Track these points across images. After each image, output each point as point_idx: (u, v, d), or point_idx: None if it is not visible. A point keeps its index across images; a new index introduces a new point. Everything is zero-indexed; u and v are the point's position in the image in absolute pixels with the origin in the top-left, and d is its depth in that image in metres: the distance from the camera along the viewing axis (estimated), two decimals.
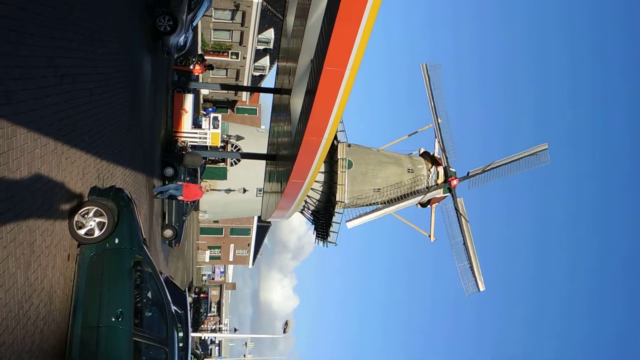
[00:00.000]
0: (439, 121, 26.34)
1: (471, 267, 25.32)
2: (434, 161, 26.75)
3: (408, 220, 26.71)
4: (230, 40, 41.60)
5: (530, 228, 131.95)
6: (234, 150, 32.82)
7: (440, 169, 26.36)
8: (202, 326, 43.52)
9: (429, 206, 27.15)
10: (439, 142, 26.37)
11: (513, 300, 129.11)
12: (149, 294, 7.89)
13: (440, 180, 26.32)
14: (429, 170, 26.51)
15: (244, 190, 33.66)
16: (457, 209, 25.84)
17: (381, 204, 26.84)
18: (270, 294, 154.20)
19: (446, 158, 26.23)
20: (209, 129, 24.38)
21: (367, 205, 27.13)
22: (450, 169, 26.48)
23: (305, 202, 26.56)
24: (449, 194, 26.48)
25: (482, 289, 25.32)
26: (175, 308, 8.31)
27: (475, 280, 25.19)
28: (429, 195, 26.21)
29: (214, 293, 69.11)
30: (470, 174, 26.56)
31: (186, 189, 16.35)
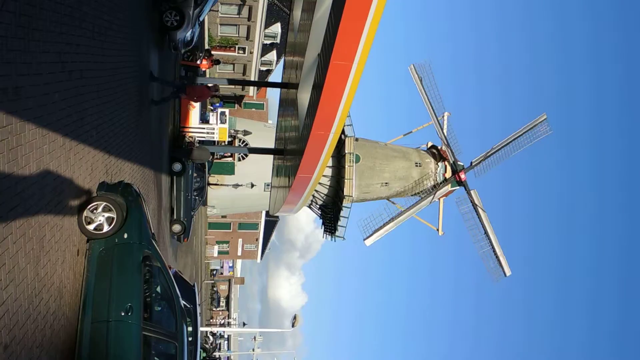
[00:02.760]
0: (442, 116, 26.34)
1: (495, 255, 25.62)
2: (441, 155, 26.65)
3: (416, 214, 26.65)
4: (237, 35, 41.58)
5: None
6: (242, 145, 32.85)
7: (447, 163, 26.30)
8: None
9: (436, 200, 27.05)
10: (441, 138, 26.39)
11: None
12: (158, 289, 7.92)
13: (448, 174, 26.25)
14: (437, 164, 26.43)
15: (252, 185, 33.72)
16: (472, 202, 25.80)
17: (387, 198, 26.81)
18: (279, 291, 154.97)
19: (452, 153, 26.13)
20: (217, 124, 24.45)
21: (375, 199, 27.09)
22: (459, 162, 26.37)
23: (313, 196, 26.57)
24: (457, 187, 26.40)
25: (508, 273, 25.63)
26: (185, 302, 8.35)
27: (501, 266, 25.51)
28: (439, 194, 26.19)
29: (222, 287, 69.47)
30: (473, 164, 26.46)
31: (189, 88, 16.23)
